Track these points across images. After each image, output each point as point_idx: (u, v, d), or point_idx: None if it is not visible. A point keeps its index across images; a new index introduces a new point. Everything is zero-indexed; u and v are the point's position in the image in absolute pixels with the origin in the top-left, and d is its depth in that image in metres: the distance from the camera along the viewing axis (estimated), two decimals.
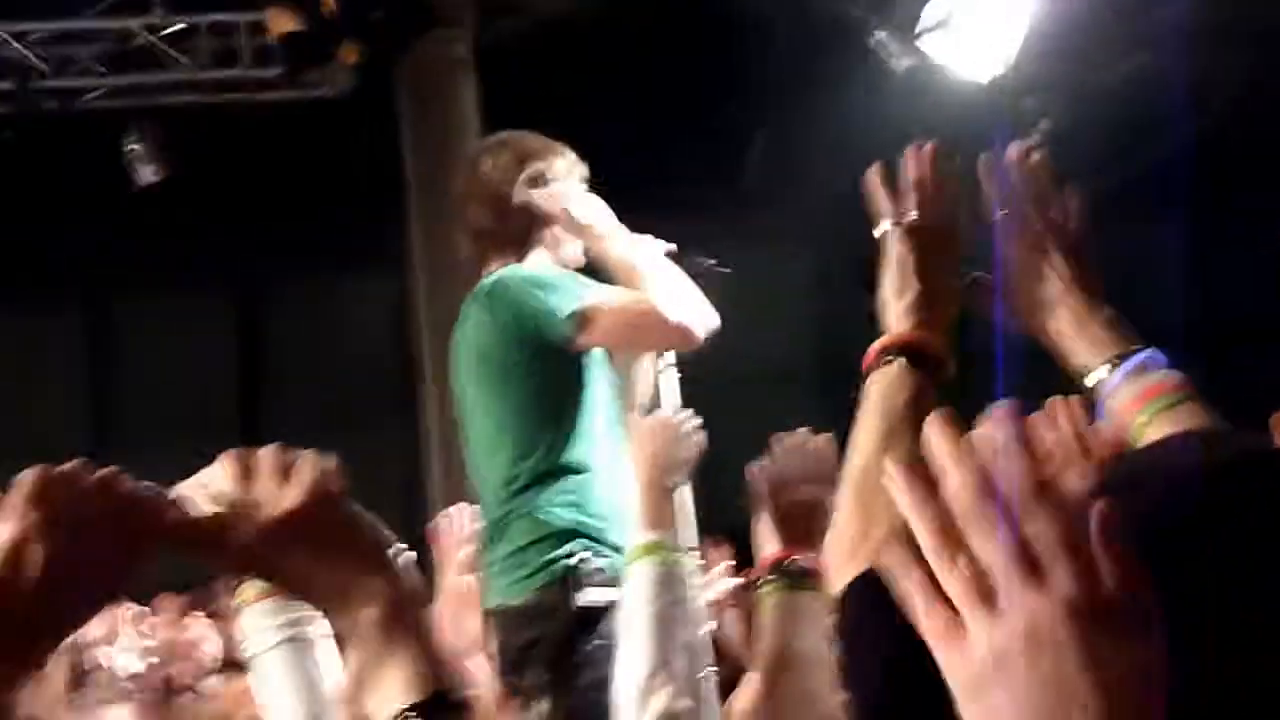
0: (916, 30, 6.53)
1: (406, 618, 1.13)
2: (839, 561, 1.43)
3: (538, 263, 3.26)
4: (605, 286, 3.13)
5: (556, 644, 2.99)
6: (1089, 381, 1.55)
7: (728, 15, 7.32)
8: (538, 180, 3.25)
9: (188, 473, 1.21)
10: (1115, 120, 7.18)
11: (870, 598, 0.92)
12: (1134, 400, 1.50)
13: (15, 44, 7.27)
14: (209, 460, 1.22)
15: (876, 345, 1.57)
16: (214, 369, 9.40)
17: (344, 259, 9.16)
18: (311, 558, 1.15)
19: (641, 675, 2.29)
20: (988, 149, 1.65)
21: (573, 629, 2.98)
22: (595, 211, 3.21)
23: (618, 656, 2.41)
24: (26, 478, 1.12)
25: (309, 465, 1.17)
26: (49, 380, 9.26)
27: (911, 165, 1.66)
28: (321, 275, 9.36)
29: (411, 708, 1.08)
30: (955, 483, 0.84)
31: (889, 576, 0.86)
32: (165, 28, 7.40)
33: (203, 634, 4.20)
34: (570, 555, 3.02)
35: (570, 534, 3.05)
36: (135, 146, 7.37)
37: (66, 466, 1.13)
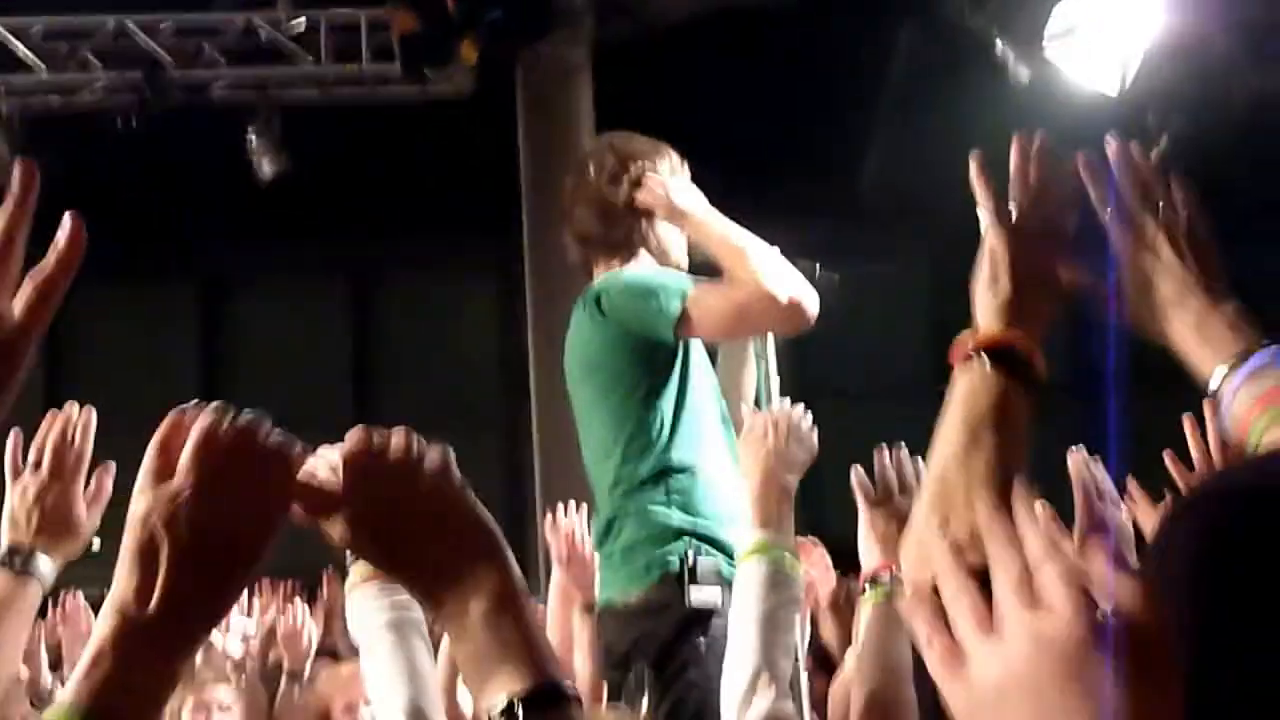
0: (1040, 40, 6.43)
1: (515, 610, 1.13)
2: (915, 565, 1.39)
3: (643, 266, 3.27)
4: (709, 280, 3.14)
5: (664, 642, 3.00)
6: (1212, 384, 1.47)
7: (847, 21, 7.26)
8: (641, 181, 3.26)
9: None
10: (1243, 137, 7.01)
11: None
12: (1254, 403, 1.42)
13: (146, 36, 7.45)
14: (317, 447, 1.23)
15: (963, 343, 1.49)
16: (326, 361, 9.56)
17: (457, 257, 9.26)
18: (428, 542, 1.14)
19: (747, 674, 2.28)
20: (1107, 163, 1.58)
21: (681, 627, 3.00)
22: (695, 199, 3.20)
23: (726, 655, 2.40)
24: (160, 437, 1.12)
25: (436, 451, 1.16)
26: (166, 364, 9.47)
27: (1017, 157, 1.57)
28: (435, 272, 9.47)
29: (521, 698, 1.08)
30: (979, 513, 0.86)
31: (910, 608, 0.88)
32: (289, 22, 7.54)
33: (306, 620, 4.26)
34: (681, 554, 3.04)
35: (680, 533, 3.07)
36: (257, 139, 7.51)
37: (204, 420, 1.12)
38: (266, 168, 7.53)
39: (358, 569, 2.04)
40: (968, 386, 1.46)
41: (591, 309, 3.18)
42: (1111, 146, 1.55)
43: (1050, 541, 0.87)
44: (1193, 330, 1.49)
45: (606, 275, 3.23)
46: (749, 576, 2.38)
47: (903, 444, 2.53)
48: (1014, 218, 1.55)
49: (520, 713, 1.07)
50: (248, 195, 7.72)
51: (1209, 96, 6.86)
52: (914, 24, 7.46)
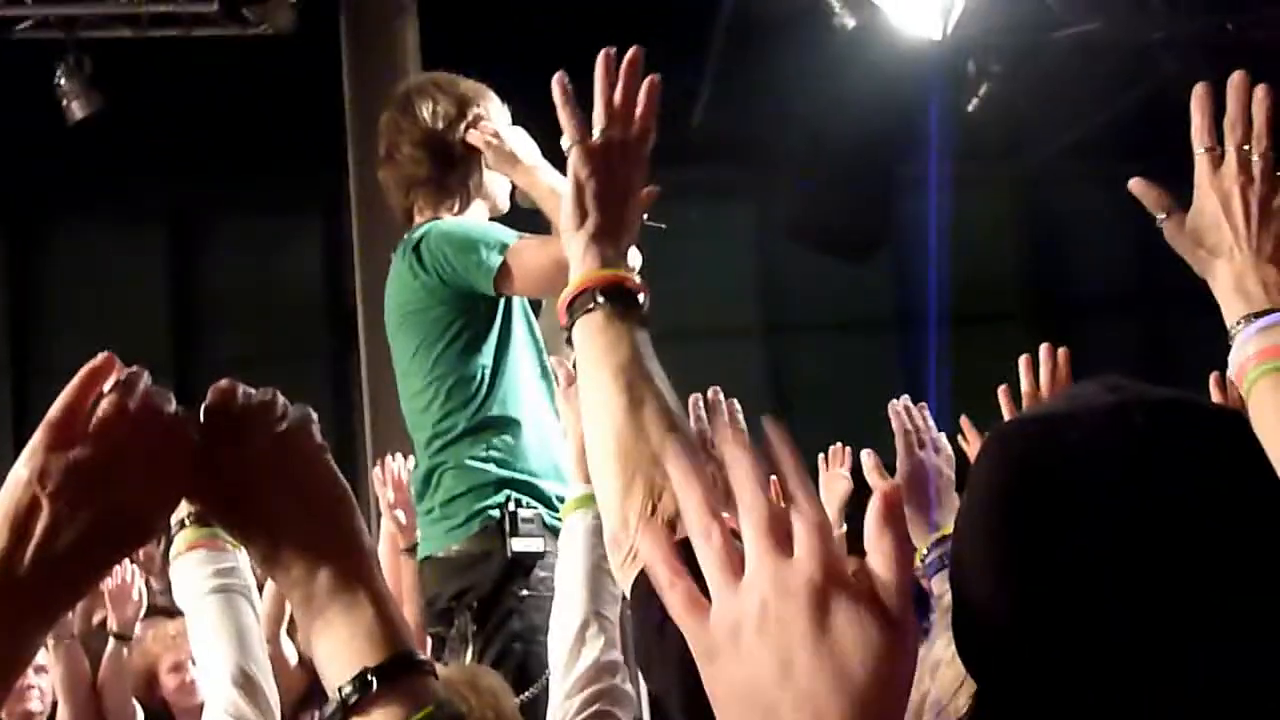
0: None
1: (366, 578, 1.08)
2: (623, 552, 1.33)
3: (471, 214, 3.22)
4: (532, 236, 3.10)
5: (486, 593, 2.99)
6: (1230, 330, 1.50)
7: None
8: (476, 125, 3.20)
9: None
10: (1060, 85, 7.21)
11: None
12: (1255, 355, 1.46)
13: None
14: None
15: (572, 288, 1.44)
16: (147, 307, 9.28)
17: (281, 200, 9.05)
18: (280, 502, 1.09)
19: (575, 625, 2.29)
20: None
21: (503, 577, 2.99)
22: (524, 145, 3.15)
23: (553, 606, 2.40)
24: (67, 399, 1.05)
25: (297, 411, 1.11)
26: None
27: (601, 75, 1.52)
28: (259, 216, 9.25)
29: (372, 669, 1.03)
30: (734, 464, 0.84)
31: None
32: None
33: (135, 579, 4.14)
34: (501, 504, 3.02)
35: (499, 485, 3.05)
36: (66, 80, 7.20)
37: (115, 392, 1.05)
38: (77, 109, 7.22)
39: (182, 536, 2.00)
40: (600, 339, 1.41)
41: (411, 259, 3.12)
42: (1235, 83, 1.52)
43: (805, 492, 0.88)
44: (1232, 280, 1.52)
45: (428, 224, 3.16)
46: (574, 529, 2.40)
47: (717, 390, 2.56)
48: (596, 144, 1.50)
49: (374, 683, 1.03)
50: (60, 139, 7.41)
51: (1025, 44, 7.03)
52: None
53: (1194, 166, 1.55)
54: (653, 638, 1.21)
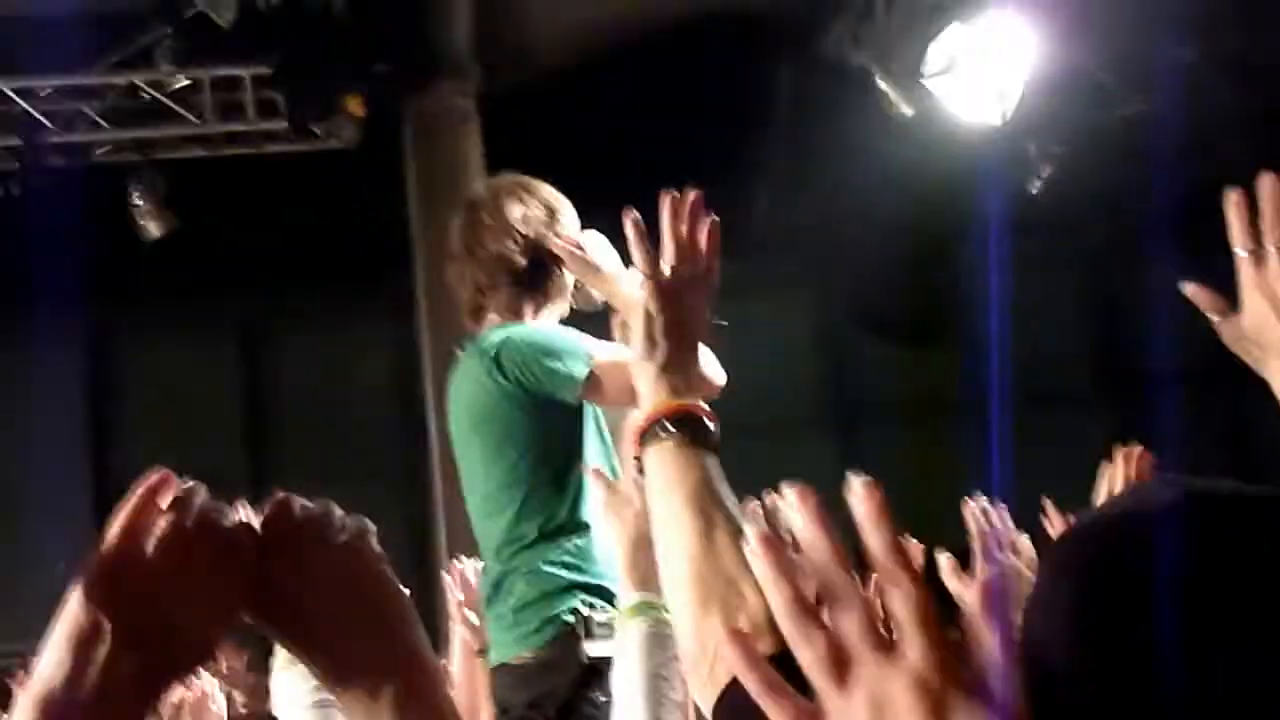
0: (921, 75, 6.55)
1: (431, 695, 1.07)
2: (701, 674, 1.33)
3: (545, 321, 3.23)
4: (610, 344, 3.11)
5: (563, 700, 2.96)
6: None
7: (732, 64, 7.34)
8: (559, 233, 3.22)
9: None
10: (1120, 164, 7.19)
11: (744, 708, 0.87)
12: None
13: (21, 100, 7.30)
14: None
15: (643, 418, 1.50)
16: (219, 421, 9.39)
17: (351, 310, 9.17)
18: (339, 616, 1.08)
19: None
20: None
21: (579, 683, 2.96)
22: (606, 253, 3.15)
23: (611, 716, 2.39)
24: (125, 521, 1.04)
25: (354, 522, 1.11)
26: (52, 431, 9.25)
27: (668, 215, 1.60)
28: (329, 327, 9.37)
29: None
30: (816, 552, 0.81)
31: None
32: (170, 82, 7.44)
33: (212, 692, 4.15)
34: (574, 610, 3.00)
35: (571, 590, 3.03)
36: (141, 200, 7.38)
37: (172, 512, 1.05)
38: (153, 228, 7.40)
39: (282, 650, 2.02)
40: (671, 467, 1.45)
41: (489, 365, 3.10)
42: (1266, 185, 1.53)
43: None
44: None
45: (506, 330, 3.16)
46: (630, 638, 2.39)
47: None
48: (665, 281, 1.59)
49: None
50: (134, 259, 7.58)
51: (1086, 124, 7.03)
52: (795, 62, 7.55)
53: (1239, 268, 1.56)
54: None
